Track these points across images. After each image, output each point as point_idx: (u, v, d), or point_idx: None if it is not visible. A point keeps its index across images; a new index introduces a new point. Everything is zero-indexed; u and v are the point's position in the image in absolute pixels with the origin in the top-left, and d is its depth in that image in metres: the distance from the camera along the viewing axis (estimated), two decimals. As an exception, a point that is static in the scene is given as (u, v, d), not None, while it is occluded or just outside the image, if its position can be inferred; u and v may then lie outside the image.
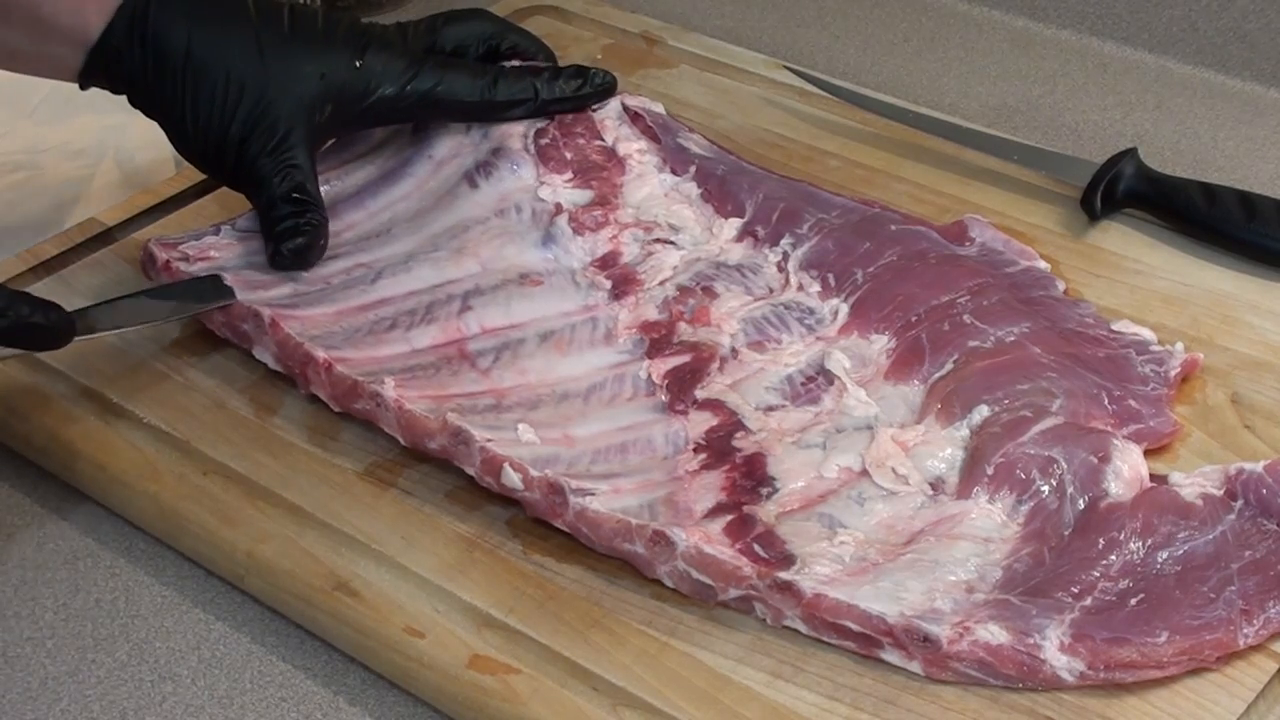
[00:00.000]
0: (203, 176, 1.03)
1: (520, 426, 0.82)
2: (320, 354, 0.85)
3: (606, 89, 1.01)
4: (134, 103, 0.93)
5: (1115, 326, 0.89)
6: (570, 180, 0.97)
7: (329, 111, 0.92)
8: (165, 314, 0.89)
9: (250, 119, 0.90)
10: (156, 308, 0.89)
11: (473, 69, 0.97)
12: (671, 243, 0.95)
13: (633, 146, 1.00)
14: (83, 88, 0.93)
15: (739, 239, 0.95)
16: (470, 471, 0.81)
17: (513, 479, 0.79)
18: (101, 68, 0.91)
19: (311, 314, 0.89)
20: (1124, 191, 0.98)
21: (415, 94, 0.94)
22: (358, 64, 0.92)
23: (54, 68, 0.92)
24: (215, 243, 0.94)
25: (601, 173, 0.98)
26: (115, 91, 0.92)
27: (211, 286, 0.90)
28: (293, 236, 0.90)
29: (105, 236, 1.01)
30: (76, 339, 0.83)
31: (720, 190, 0.98)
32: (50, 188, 1.11)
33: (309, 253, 0.91)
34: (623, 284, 0.92)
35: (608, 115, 1.01)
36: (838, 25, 1.25)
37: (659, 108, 1.03)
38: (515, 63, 1.00)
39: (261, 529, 0.82)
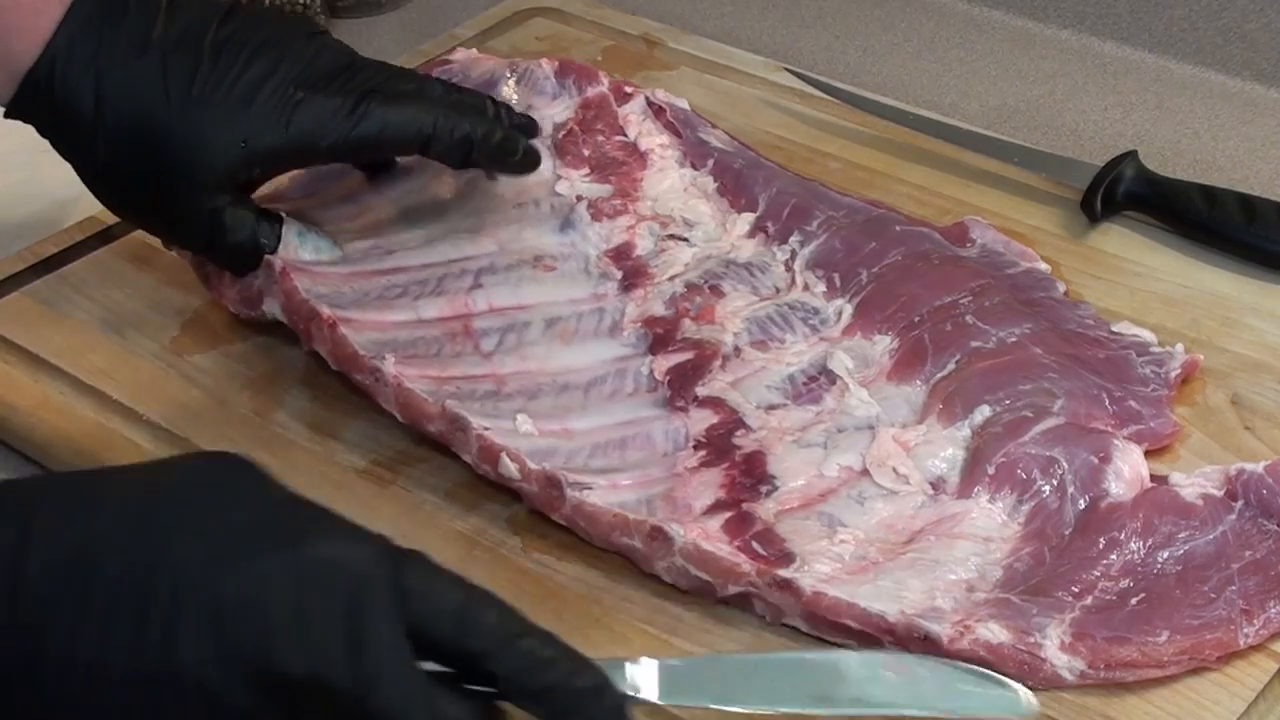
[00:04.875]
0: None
1: (519, 417, 0.82)
2: (325, 311, 0.85)
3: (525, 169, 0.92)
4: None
5: (1115, 328, 0.89)
6: (588, 175, 0.98)
7: (256, 173, 0.86)
8: None
9: (171, 193, 0.84)
10: None
11: (417, 105, 0.88)
12: (685, 239, 0.95)
13: (655, 141, 1.00)
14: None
15: (750, 234, 0.96)
16: (467, 459, 0.81)
17: (510, 469, 0.79)
18: (22, 116, 0.86)
19: (323, 271, 0.89)
20: (1124, 194, 0.98)
21: (354, 144, 0.86)
22: (287, 125, 0.84)
23: None
24: None
25: (621, 168, 0.99)
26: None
27: None
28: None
29: (105, 235, 1.01)
30: None
31: (735, 184, 0.98)
32: (50, 188, 1.11)
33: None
34: (633, 276, 0.92)
35: (632, 110, 1.02)
36: (838, 27, 1.25)
37: (683, 103, 1.03)
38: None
39: (261, 527, 0.82)
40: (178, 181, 0.84)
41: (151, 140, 0.83)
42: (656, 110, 1.02)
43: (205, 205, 0.85)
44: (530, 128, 0.95)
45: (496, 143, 0.89)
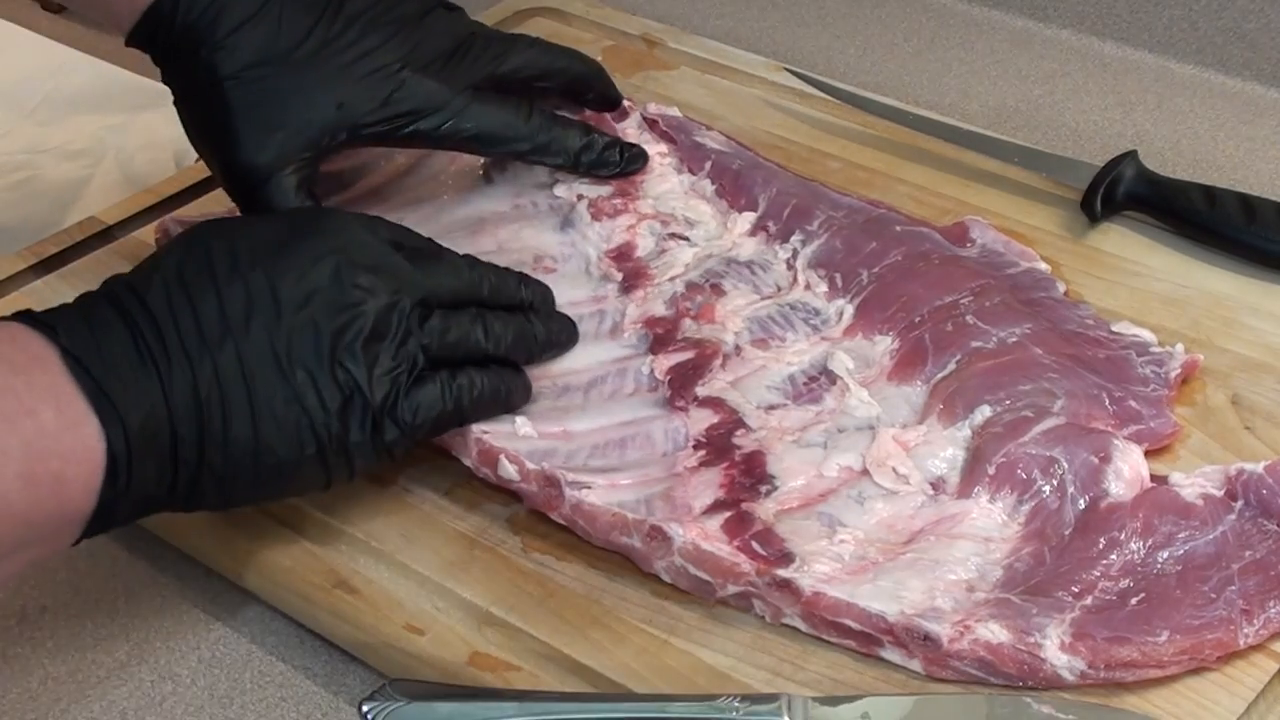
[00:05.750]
0: (202, 175, 1.03)
1: (518, 419, 0.82)
2: None
3: (635, 169, 0.99)
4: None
5: (1115, 328, 0.89)
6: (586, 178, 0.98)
7: (343, 138, 0.89)
8: None
9: (251, 137, 0.87)
10: None
11: (516, 111, 0.93)
12: (685, 239, 0.95)
13: (654, 150, 1.01)
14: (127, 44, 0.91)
15: (752, 233, 0.96)
16: (467, 462, 0.81)
17: (509, 470, 0.79)
18: (141, 44, 0.90)
19: None
20: (1124, 194, 0.98)
21: (448, 136, 0.91)
22: (385, 101, 0.88)
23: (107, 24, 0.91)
24: None
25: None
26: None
27: None
28: None
29: (105, 235, 1.01)
30: None
31: (734, 185, 0.99)
32: (50, 188, 1.12)
33: None
34: (634, 278, 0.92)
35: (629, 126, 1.03)
36: (838, 27, 1.25)
37: (674, 110, 1.04)
38: (563, 113, 0.98)
39: (261, 526, 0.82)
40: (264, 127, 0.87)
41: (253, 84, 0.86)
42: (650, 123, 1.03)
43: (278, 157, 0.87)
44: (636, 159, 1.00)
45: (591, 161, 0.96)
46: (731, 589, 0.76)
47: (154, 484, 0.72)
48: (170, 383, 0.71)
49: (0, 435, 0.66)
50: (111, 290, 0.74)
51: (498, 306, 0.84)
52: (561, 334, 0.87)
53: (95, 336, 0.71)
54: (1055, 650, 0.71)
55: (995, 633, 0.72)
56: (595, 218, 0.95)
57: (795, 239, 0.94)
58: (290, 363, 0.74)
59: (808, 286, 0.92)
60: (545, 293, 0.88)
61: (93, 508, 0.69)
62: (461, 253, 0.87)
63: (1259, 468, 0.78)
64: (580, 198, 0.96)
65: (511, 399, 0.83)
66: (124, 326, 0.72)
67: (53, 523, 0.69)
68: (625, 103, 1.03)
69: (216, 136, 0.88)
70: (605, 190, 0.98)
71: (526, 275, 0.87)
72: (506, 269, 0.86)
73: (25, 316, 0.72)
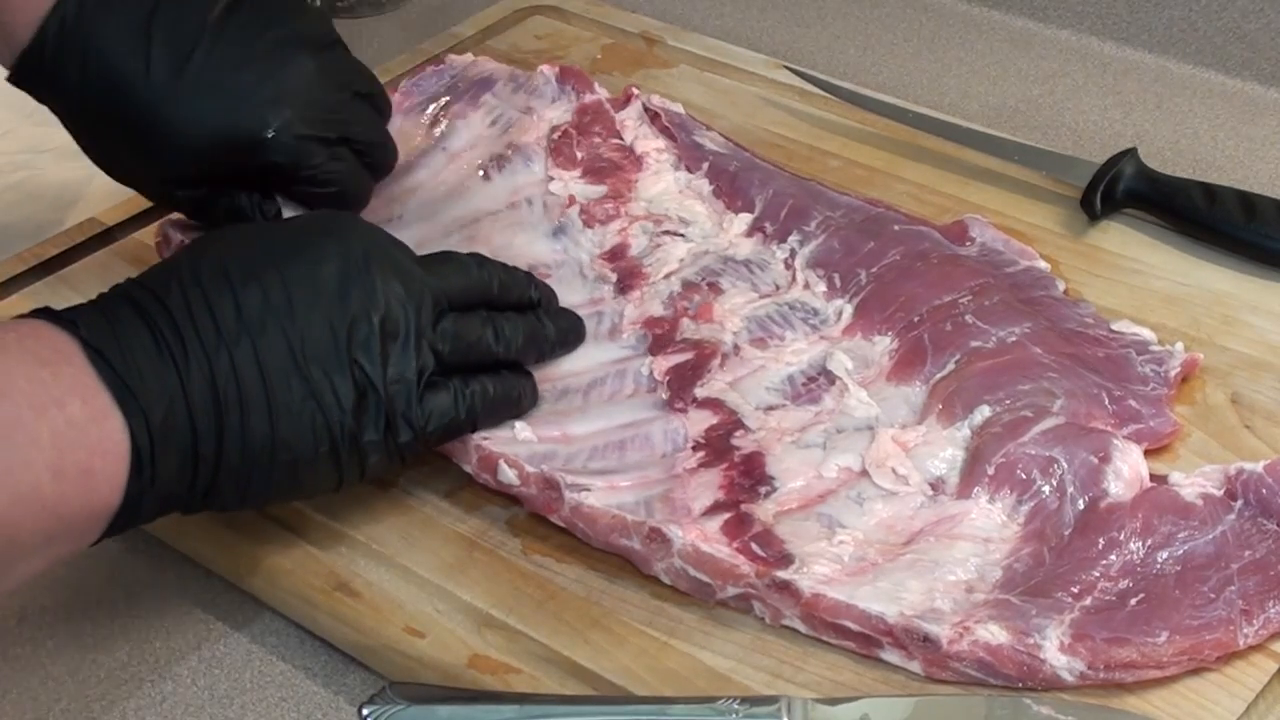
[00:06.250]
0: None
1: (517, 424, 0.82)
2: None
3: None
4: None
5: (1115, 326, 0.89)
6: (581, 176, 0.98)
7: (225, 172, 0.86)
8: None
9: (158, 175, 0.87)
10: None
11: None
12: (680, 235, 0.95)
13: (651, 145, 1.01)
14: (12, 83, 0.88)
15: (748, 234, 0.96)
16: (467, 468, 0.81)
17: (508, 475, 0.79)
18: (27, 83, 0.87)
19: None
20: (1124, 191, 0.98)
21: (325, 178, 0.88)
22: (269, 134, 0.85)
23: None
24: None
25: (616, 171, 0.99)
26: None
27: None
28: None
29: (105, 236, 1.01)
30: None
31: (731, 186, 0.98)
32: (50, 188, 1.12)
33: None
34: (629, 277, 0.92)
35: (629, 116, 1.02)
36: (838, 25, 1.25)
37: (678, 107, 1.04)
38: None
39: (262, 529, 0.82)
40: (161, 165, 0.86)
41: (130, 124, 0.84)
42: (652, 115, 1.03)
43: (189, 190, 0.87)
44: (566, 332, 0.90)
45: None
46: (731, 591, 0.76)
47: (175, 480, 0.72)
48: (188, 377, 0.72)
49: (30, 425, 0.67)
50: (127, 290, 0.75)
51: (507, 306, 0.84)
52: (570, 332, 0.87)
53: (115, 332, 0.71)
54: (1055, 651, 0.72)
55: (995, 634, 0.72)
56: (588, 224, 0.95)
57: (793, 239, 0.94)
58: (306, 360, 0.74)
59: (806, 286, 0.92)
60: (550, 291, 0.88)
61: (118, 502, 0.70)
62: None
63: (1259, 467, 0.78)
64: (573, 200, 0.96)
65: (521, 404, 0.83)
66: (142, 323, 0.72)
67: (80, 517, 0.69)
68: (632, 90, 1.03)
69: (137, 183, 0.89)
70: (599, 191, 0.97)
71: (533, 274, 0.88)
72: (515, 267, 0.86)
73: (45, 313, 0.72)
